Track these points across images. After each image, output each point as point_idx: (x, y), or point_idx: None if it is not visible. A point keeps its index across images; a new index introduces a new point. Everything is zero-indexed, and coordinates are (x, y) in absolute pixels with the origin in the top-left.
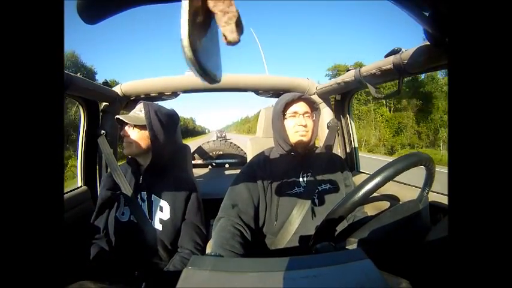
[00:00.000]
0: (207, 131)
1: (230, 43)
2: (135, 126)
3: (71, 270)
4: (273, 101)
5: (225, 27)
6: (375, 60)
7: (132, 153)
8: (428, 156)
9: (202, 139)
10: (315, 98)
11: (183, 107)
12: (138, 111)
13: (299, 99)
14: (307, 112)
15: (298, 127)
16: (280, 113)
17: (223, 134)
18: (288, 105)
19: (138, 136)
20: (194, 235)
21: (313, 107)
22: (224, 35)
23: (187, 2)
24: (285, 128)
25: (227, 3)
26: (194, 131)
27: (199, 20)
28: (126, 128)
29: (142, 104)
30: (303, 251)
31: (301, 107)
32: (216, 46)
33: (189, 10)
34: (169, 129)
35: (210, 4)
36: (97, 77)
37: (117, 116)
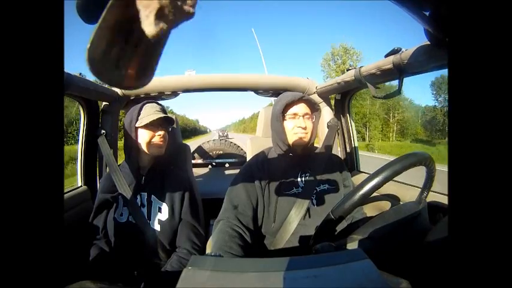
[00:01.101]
0: (208, 130)
1: (150, 36)
2: (168, 126)
3: (71, 270)
4: (271, 101)
5: (144, 22)
6: (375, 60)
7: (161, 153)
8: (429, 156)
9: (205, 137)
10: (315, 97)
11: (184, 107)
12: (163, 112)
13: (299, 100)
14: (307, 113)
15: (297, 129)
16: (280, 114)
17: (225, 133)
18: (288, 106)
19: (167, 137)
20: (191, 235)
21: (314, 108)
22: (144, 30)
23: (103, 17)
24: (283, 129)
25: None
26: (197, 131)
27: (116, 31)
28: (163, 128)
29: (157, 104)
30: (302, 251)
31: (301, 108)
32: (146, 51)
33: (102, 24)
34: (174, 129)
35: (137, 2)
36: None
37: (170, 116)
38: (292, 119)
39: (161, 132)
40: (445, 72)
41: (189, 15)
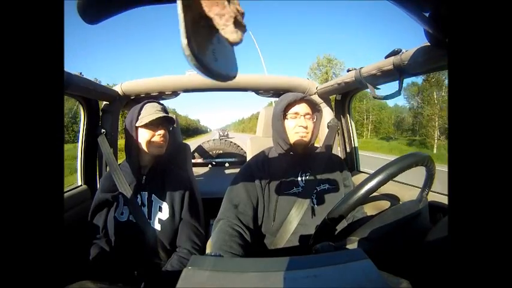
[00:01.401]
0: (208, 129)
1: (233, 43)
2: (168, 125)
3: (71, 270)
4: (269, 102)
5: (224, 30)
6: (375, 61)
7: (162, 152)
8: (428, 156)
9: (206, 136)
10: (315, 98)
11: (185, 107)
12: (163, 111)
13: (301, 100)
14: (308, 113)
15: (298, 128)
16: (281, 113)
17: (226, 133)
18: (289, 105)
19: (167, 136)
20: (192, 235)
21: (315, 109)
22: (226, 38)
23: (181, 6)
24: (284, 128)
25: (221, 5)
26: (199, 130)
27: (202, 23)
28: (164, 127)
29: (157, 103)
30: (302, 251)
31: (302, 108)
32: (226, 46)
33: (185, 15)
34: (174, 129)
35: (206, 10)
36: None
37: (170, 115)
38: (294, 119)
39: (161, 132)
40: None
41: (244, 15)
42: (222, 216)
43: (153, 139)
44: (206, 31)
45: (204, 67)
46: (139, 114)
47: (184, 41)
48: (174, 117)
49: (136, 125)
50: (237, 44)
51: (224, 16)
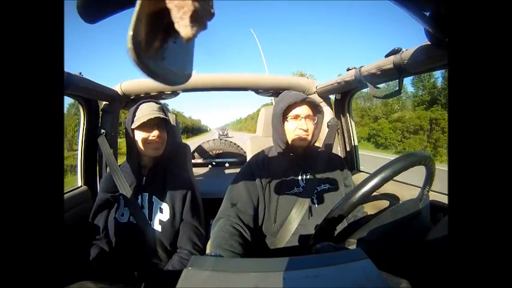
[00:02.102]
0: (208, 129)
1: (186, 39)
2: (164, 126)
3: (71, 270)
4: (266, 101)
5: (179, 23)
6: (375, 60)
7: (159, 154)
8: (428, 155)
9: (207, 135)
10: (315, 97)
11: (186, 108)
12: (161, 111)
13: (302, 101)
14: (309, 115)
15: (298, 130)
16: (281, 114)
17: (225, 132)
18: (290, 107)
19: (165, 136)
20: (192, 235)
21: (316, 110)
22: (179, 31)
23: (139, 3)
24: (284, 130)
25: None
26: (201, 129)
27: (160, 22)
28: (159, 128)
29: (155, 103)
30: (302, 251)
31: (303, 110)
32: (182, 47)
33: (140, 11)
34: (174, 128)
35: (167, 1)
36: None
37: (162, 116)
38: (294, 120)
39: (155, 133)
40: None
41: (212, 16)
42: (222, 214)
43: (148, 140)
44: (160, 32)
45: (143, 64)
46: (134, 115)
47: (129, 32)
48: (169, 117)
49: (132, 127)
50: (189, 39)
51: (183, 8)
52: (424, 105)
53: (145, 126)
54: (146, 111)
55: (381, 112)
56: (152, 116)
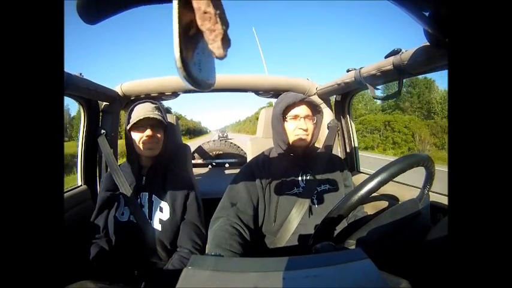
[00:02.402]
0: (208, 130)
1: (219, 58)
2: (158, 126)
3: (71, 270)
4: (265, 104)
5: (213, 45)
6: (374, 61)
7: (154, 154)
8: (428, 157)
9: (207, 137)
10: (315, 98)
11: (187, 110)
12: (155, 111)
13: (301, 101)
14: (308, 115)
15: (298, 130)
16: (280, 115)
17: (225, 134)
18: (289, 107)
19: (160, 136)
20: (193, 235)
21: (316, 110)
22: (212, 51)
23: (177, 18)
24: (284, 130)
25: (213, 21)
26: (202, 131)
27: (191, 32)
28: (152, 128)
29: (150, 103)
30: (302, 251)
31: (302, 110)
32: (209, 55)
33: (179, 26)
34: (173, 128)
35: (199, 23)
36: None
37: (152, 116)
38: (293, 120)
39: (148, 133)
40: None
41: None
42: (221, 214)
43: (142, 140)
44: (193, 40)
45: (191, 78)
46: (130, 116)
47: (177, 54)
48: (169, 118)
49: (127, 127)
50: (220, 59)
51: (214, 32)
52: (390, 110)
53: (139, 126)
54: (141, 111)
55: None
56: (142, 117)
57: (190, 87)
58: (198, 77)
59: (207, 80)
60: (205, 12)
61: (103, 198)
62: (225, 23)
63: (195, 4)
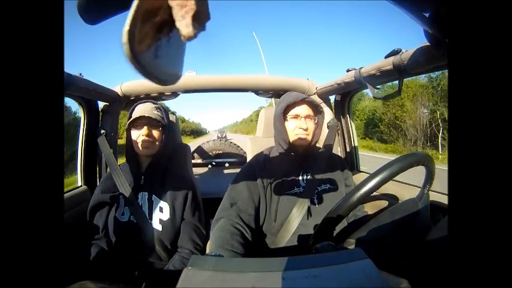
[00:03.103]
0: (207, 131)
1: (185, 38)
2: (156, 125)
3: (71, 270)
4: (259, 105)
5: (181, 22)
6: (374, 61)
7: (151, 153)
8: (428, 156)
9: (207, 137)
10: (315, 98)
11: (188, 110)
12: (154, 111)
13: (302, 101)
14: (309, 115)
15: (299, 130)
16: (282, 114)
17: (224, 134)
18: (290, 107)
19: (158, 136)
20: (193, 235)
21: (317, 110)
22: (179, 30)
23: (137, 1)
24: (285, 129)
25: None
26: (202, 131)
27: (155, 19)
28: (149, 127)
29: (151, 103)
30: (302, 251)
31: (303, 109)
32: (175, 47)
33: (137, 7)
34: (174, 128)
35: None
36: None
37: (147, 115)
38: (294, 120)
39: (144, 132)
40: None
41: (209, 19)
42: (222, 214)
43: (138, 139)
44: (155, 29)
45: (136, 60)
46: (130, 115)
47: (126, 28)
48: (170, 118)
49: (126, 126)
50: (189, 39)
51: (185, 8)
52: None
53: (137, 125)
54: (140, 110)
55: None
56: (139, 115)
57: (138, 74)
58: (147, 62)
59: (163, 69)
60: None
61: (99, 199)
62: (202, 6)
63: None
